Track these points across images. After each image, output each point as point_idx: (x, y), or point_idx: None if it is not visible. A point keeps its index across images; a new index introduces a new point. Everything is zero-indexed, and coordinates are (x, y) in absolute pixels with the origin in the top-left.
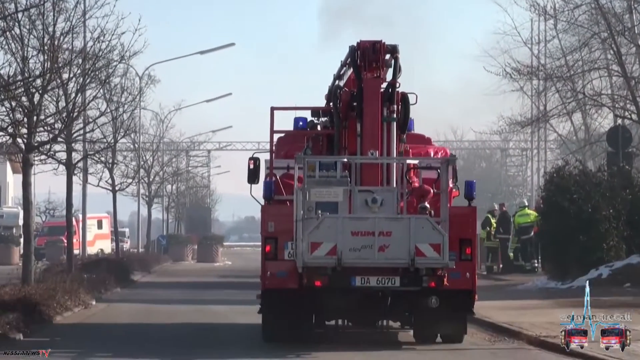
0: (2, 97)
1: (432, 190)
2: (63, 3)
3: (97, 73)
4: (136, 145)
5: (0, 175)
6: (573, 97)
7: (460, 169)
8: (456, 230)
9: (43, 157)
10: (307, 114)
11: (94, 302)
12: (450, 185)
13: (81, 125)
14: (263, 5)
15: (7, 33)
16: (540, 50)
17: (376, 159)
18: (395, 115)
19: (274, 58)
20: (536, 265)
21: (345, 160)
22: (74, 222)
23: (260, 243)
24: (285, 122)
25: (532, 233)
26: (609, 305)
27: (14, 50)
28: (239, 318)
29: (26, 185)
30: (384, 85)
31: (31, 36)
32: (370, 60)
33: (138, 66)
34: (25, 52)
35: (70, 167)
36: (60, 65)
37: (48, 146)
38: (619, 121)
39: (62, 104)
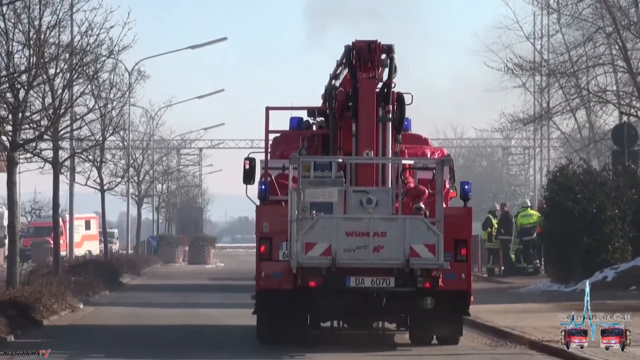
0: None
1: (427, 191)
2: None
3: (84, 68)
4: (125, 143)
5: None
6: (577, 94)
7: (460, 168)
8: (451, 231)
9: (29, 155)
10: (302, 114)
11: (81, 306)
12: (447, 186)
13: (68, 122)
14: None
15: None
16: (543, 45)
17: (371, 159)
18: (390, 116)
19: (267, 54)
20: (539, 267)
21: (340, 160)
22: (61, 223)
23: (253, 244)
24: (281, 121)
25: (535, 234)
26: (614, 309)
27: None
28: (232, 321)
29: (11, 185)
30: (380, 85)
31: (16, 30)
32: (365, 60)
33: (127, 61)
34: (10, 46)
35: (56, 165)
36: (46, 60)
37: (34, 144)
38: (625, 118)
39: (48, 100)
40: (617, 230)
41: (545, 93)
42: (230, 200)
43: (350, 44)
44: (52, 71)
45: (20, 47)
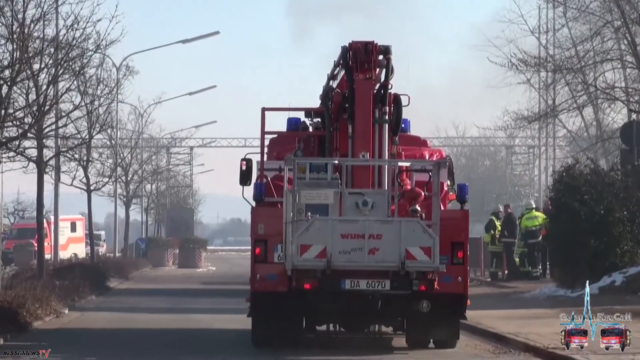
0: None
1: (423, 193)
2: None
3: (70, 63)
4: (113, 142)
5: None
6: (584, 90)
7: (462, 168)
8: (448, 234)
9: (12, 154)
10: (299, 115)
11: (66, 311)
12: (446, 188)
13: (53, 119)
14: None
15: None
16: (548, 40)
17: (367, 161)
18: (387, 117)
19: (262, 49)
20: (539, 275)
21: (336, 162)
22: (45, 224)
23: (246, 247)
24: (277, 121)
25: (540, 237)
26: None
27: None
28: (225, 326)
29: None
30: (377, 86)
31: None
32: (362, 61)
33: (115, 56)
34: None
35: (41, 165)
36: (30, 55)
37: (17, 142)
38: (634, 116)
39: (32, 96)
40: (626, 233)
41: (550, 90)
42: (222, 201)
43: (347, 44)
44: (36, 66)
45: (3, 42)
